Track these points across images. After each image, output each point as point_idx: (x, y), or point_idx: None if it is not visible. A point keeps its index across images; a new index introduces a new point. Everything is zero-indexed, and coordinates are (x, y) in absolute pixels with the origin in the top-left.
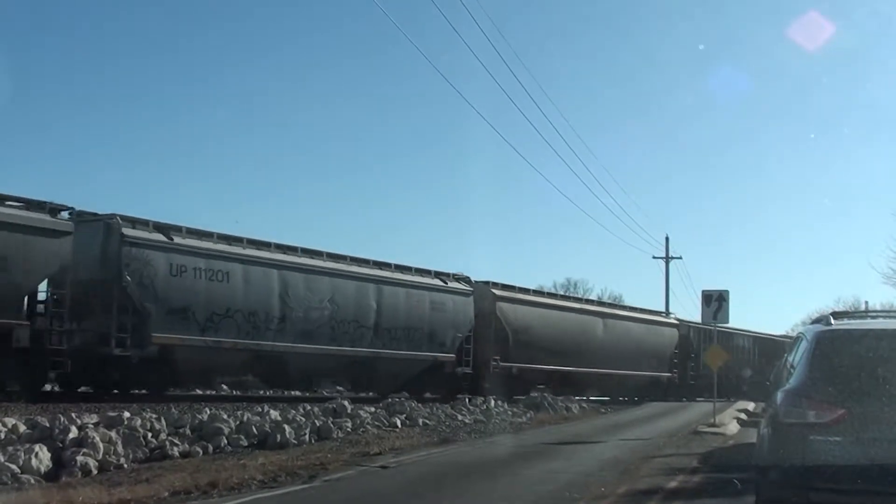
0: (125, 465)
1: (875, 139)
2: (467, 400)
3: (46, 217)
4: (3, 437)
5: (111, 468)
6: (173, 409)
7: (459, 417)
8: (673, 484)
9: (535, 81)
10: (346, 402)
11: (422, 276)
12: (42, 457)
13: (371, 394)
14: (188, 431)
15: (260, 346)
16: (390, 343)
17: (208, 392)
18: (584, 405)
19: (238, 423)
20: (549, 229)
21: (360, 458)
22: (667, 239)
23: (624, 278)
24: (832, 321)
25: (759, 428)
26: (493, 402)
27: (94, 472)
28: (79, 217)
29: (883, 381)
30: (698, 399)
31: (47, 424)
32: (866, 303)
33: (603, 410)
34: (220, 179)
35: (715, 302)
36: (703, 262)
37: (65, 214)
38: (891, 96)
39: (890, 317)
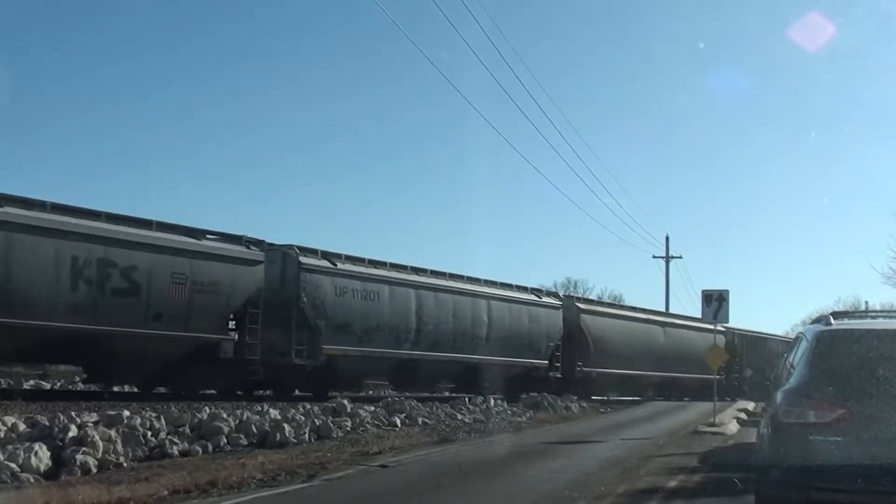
0: (125, 464)
1: (875, 139)
2: (467, 399)
3: (244, 248)
4: (2, 435)
5: (111, 467)
6: (173, 408)
7: (459, 417)
8: (673, 483)
9: (536, 81)
10: (345, 402)
11: (521, 292)
12: (41, 455)
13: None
14: (188, 430)
15: (401, 355)
16: (498, 351)
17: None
18: (584, 404)
19: (237, 421)
20: (550, 228)
21: (360, 457)
22: (667, 238)
23: (624, 278)
24: (832, 321)
25: (759, 427)
26: (492, 402)
27: (94, 470)
28: (267, 247)
29: (883, 381)
30: (737, 398)
31: (47, 423)
32: (866, 303)
33: (602, 410)
34: (220, 179)
35: (715, 302)
36: (704, 261)
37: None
38: (891, 96)
39: (890, 317)
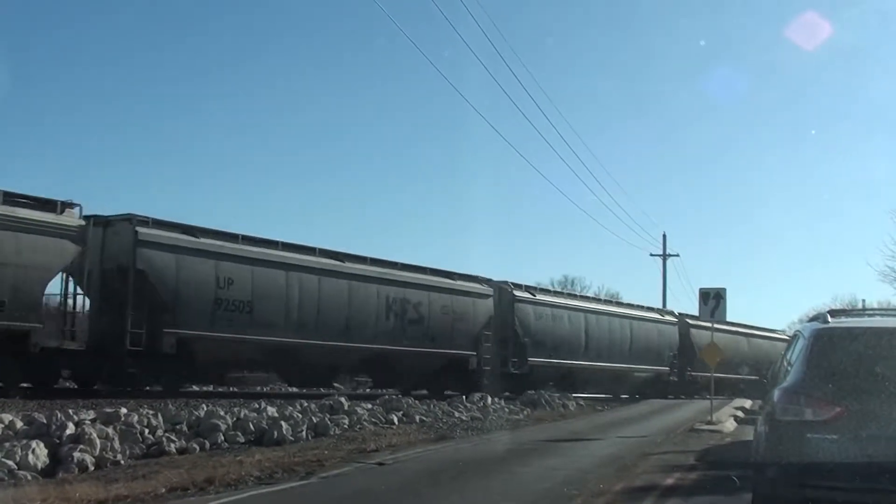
0: (122, 462)
1: (872, 138)
2: (464, 397)
3: (481, 286)
4: (0, 433)
5: (108, 464)
6: (170, 406)
7: (456, 414)
8: (670, 481)
9: (535, 81)
10: (343, 399)
11: (650, 311)
12: (39, 453)
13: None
14: (185, 428)
15: (575, 365)
16: (638, 360)
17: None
18: (581, 402)
19: (235, 419)
20: (548, 227)
21: (357, 454)
22: (664, 236)
23: (622, 275)
24: (829, 319)
25: (756, 425)
26: (489, 399)
27: (91, 468)
28: (489, 283)
29: (880, 379)
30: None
31: (44, 421)
32: (863, 301)
33: (599, 408)
34: (221, 177)
35: (712, 300)
36: (701, 259)
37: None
38: (888, 95)
39: (887, 315)
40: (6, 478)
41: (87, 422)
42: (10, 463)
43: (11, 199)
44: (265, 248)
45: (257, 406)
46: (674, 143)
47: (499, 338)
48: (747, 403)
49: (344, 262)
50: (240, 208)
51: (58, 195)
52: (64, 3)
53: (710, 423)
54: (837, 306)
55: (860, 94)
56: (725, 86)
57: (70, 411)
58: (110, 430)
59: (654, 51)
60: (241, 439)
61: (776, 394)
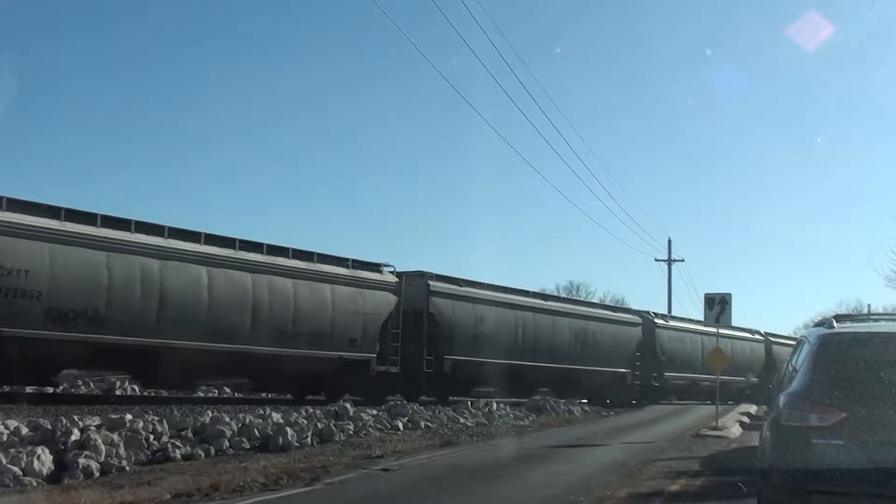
0: (127, 468)
1: (878, 141)
2: (469, 403)
3: (631, 316)
4: (5, 438)
5: (113, 470)
6: (175, 412)
7: (461, 420)
8: (675, 487)
9: (539, 85)
10: (347, 405)
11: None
12: (44, 459)
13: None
14: (190, 434)
15: (693, 377)
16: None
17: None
18: (587, 408)
19: (240, 425)
20: (552, 232)
21: (362, 460)
22: (669, 241)
23: (626, 281)
24: (835, 324)
25: (761, 431)
26: (495, 405)
27: (96, 474)
28: (637, 314)
29: (886, 385)
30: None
31: (49, 426)
32: (869, 306)
33: (605, 413)
34: (225, 180)
35: (717, 305)
36: (706, 264)
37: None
38: (893, 98)
39: (892, 319)
40: (12, 484)
41: (93, 428)
42: (16, 469)
43: (357, 264)
44: (501, 293)
45: (262, 412)
46: (678, 147)
47: (643, 357)
48: (753, 409)
49: (547, 300)
50: (242, 210)
51: (60, 198)
52: (70, 8)
53: (715, 428)
54: (843, 311)
55: (866, 97)
56: (730, 88)
57: (75, 417)
58: (115, 437)
59: (658, 54)
60: (247, 445)
61: (781, 399)
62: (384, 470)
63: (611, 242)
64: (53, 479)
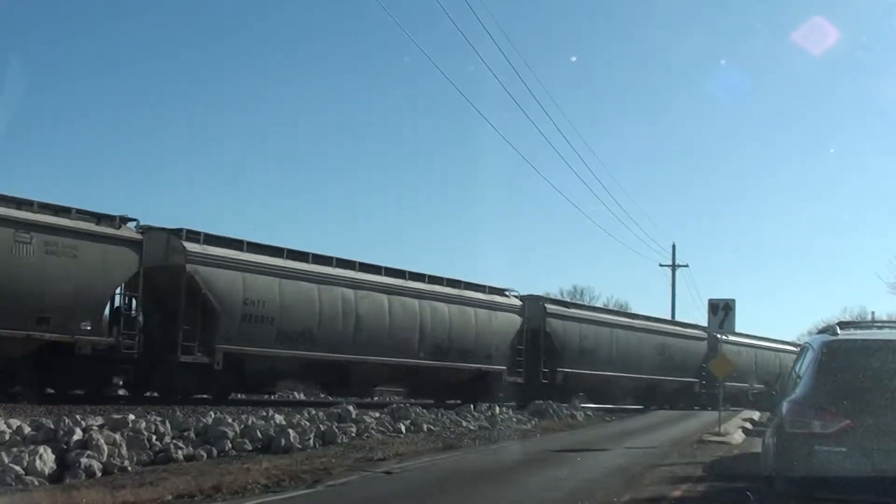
0: (129, 468)
1: (884, 148)
2: (472, 406)
3: (697, 331)
4: (7, 438)
5: (115, 470)
6: (178, 413)
7: (464, 424)
8: (677, 493)
9: (544, 89)
10: (350, 407)
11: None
12: (46, 458)
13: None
14: (193, 435)
15: (741, 385)
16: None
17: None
18: (590, 413)
19: (243, 426)
20: (556, 236)
21: (365, 463)
22: (673, 247)
23: (630, 286)
24: (838, 331)
25: (764, 437)
26: (497, 409)
27: (98, 474)
28: (703, 329)
29: (888, 392)
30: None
31: (52, 426)
32: (872, 313)
33: (608, 418)
34: (230, 182)
35: (721, 311)
36: (710, 270)
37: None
38: None
39: None
40: (14, 483)
41: (95, 428)
42: (18, 468)
43: (491, 290)
44: (598, 313)
45: (265, 414)
46: (684, 152)
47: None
48: (756, 415)
49: (634, 319)
50: (244, 212)
51: (62, 199)
52: (73, 9)
53: (718, 434)
54: (847, 318)
55: (871, 103)
56: (737, 94)
57: (78, 417)
58: (118, 437)
59: (664, 60)
60: (249, 447)
61: (785, 406)
62: (386, 473)
63: (615, 247)
64: (55, 478)
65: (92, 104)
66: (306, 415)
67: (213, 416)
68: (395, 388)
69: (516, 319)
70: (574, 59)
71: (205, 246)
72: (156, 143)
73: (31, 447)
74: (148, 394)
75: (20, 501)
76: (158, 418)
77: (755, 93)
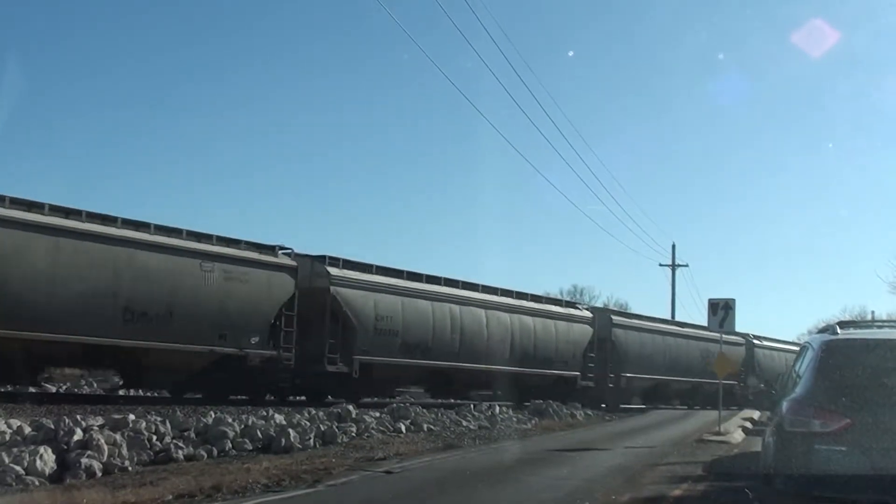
0: (129, 468)
1: (884, 148)
2: (472, 406)
3: (738, 338)
4: (7, 438)
5: (115, 470)
6: (178, 412)
7: (464, 423)
8: (677, 492)
9: (544, 89)
10: (350, 407)
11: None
12: (46, 459)
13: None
14: (193, 434)
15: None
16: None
17: None
18: (590, 412)
19: (243, 426)
20: (556, 236)
21: (365, 462)
22: (673, 246)
23: (631, 286)
24: (838, 330)
25: (764, 436)
26: (497, 409)
27: (99, 474)
28: (742, 335)
29: (888, 391)
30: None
31: (52, 426)
32: (872, 312)
33: (608, 418)
34: (230, 183)
35: (721, 310)
36: (710, 269)
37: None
38: None
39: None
40: (14, 483)
41: (95, 428)
42: (18, 468)
43: (567, 303)
44: (652, 322)
45: (265, 413)
46: (684, 152)
47: (746, 371)
48: (756, 414)
49: (683, 327)
50: (245, 213)
51: (62, 199)
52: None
53: (718, 433)
54: (847, 318)
55: (871, 103)
56: (736, 96)
57: (78, 417)
58: (118, 437)
59: (664, 60)
60: (249, 447)
61: (784, 405)
62: (387, 472)
63: (614, 247)
64: (56, 478)
65: (92, 104)
66: (306, 415)
67: (213, 415)
68: (485, 392)
69: (588, 330)
70: (571, 53)
71: (343, 270)
72: (156, 143)
73: (32, 447)
74: (296, 397)
75: (20, 501)
76: (159, 418)
77: (755, 93)
